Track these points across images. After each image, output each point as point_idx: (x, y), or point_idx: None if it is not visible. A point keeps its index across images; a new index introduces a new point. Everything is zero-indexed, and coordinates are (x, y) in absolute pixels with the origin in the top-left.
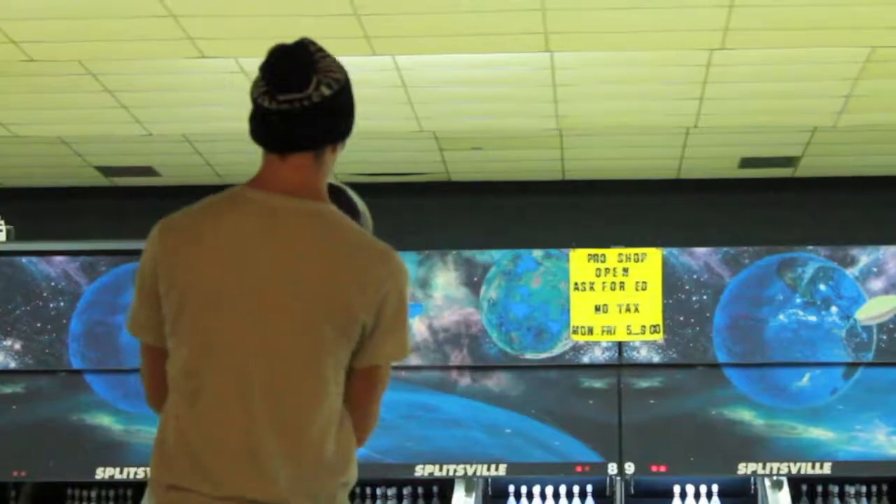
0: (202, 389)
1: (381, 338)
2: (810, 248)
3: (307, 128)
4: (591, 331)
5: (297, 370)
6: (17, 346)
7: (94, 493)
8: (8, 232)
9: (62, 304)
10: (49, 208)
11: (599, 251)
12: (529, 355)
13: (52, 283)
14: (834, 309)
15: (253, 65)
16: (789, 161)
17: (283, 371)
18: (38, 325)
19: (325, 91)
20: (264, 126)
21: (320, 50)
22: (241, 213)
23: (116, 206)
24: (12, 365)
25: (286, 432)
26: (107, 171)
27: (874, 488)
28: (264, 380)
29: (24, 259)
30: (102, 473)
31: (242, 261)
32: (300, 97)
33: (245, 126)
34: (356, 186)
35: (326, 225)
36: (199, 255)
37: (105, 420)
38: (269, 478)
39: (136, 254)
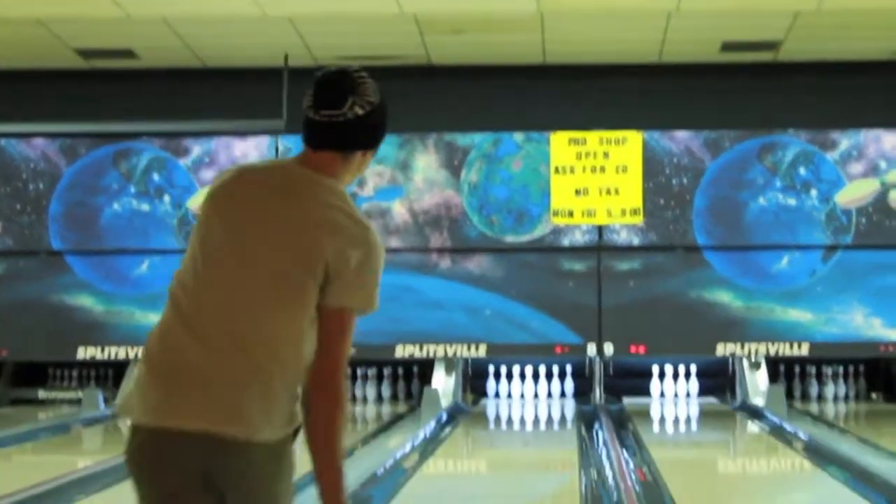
0: (183, 303)
1: (348, 285)
2: (791, 131)
3: (339, 137)
4: (571, 214)
5: (267, 299)
6: None
7: (75, 373)
8: None
9: (42, 185)
10: (28, 91)
11: (580, 134)
12: (510, 238)
13: (32, 165)
14: (814, 192)
15: None
16: (771, 45)
17: (256, 297)
18: (18, 206)
19: (359, 111)
20: (307, 130)
21: (362, 76)
22: (272, 170)
23: (95, 89)
24: None
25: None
26: (86, 53)
27: (851, 369)
28: (239, 301)
29: (2, 141)
30: (83, 353)
31: (256, 203)
32: (336, 114)
33: (226, 9)
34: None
35: (328, 190)
36: (231, 192)
37: (86, 301)
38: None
39: (115, 136)
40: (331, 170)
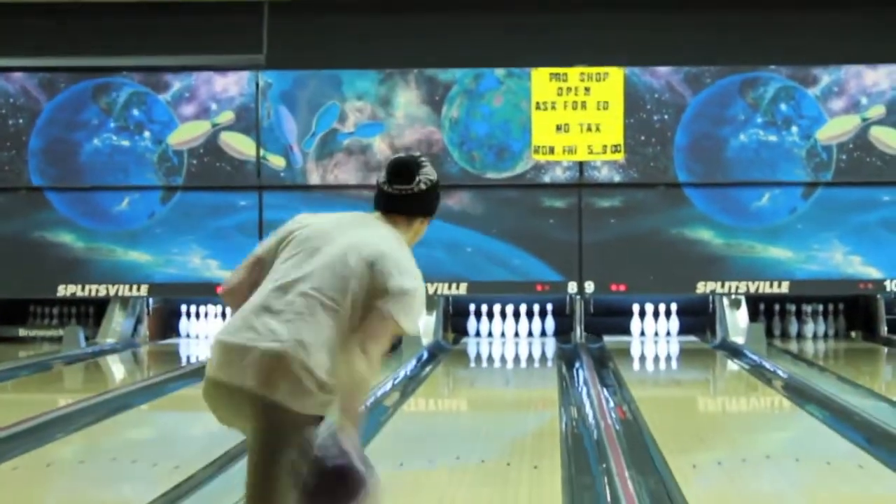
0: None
1: (387, 301)
2: (772, 67)
3: (408, 204)
4: (552, 150)
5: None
6: None
7: (56, 311)
8: None
9: (21, 121)
10: (6, 24)
11: (561, 70)
12: (491, 174)
13: (11, 100)
14: (794, 129)
15: None
16: None
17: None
18: None
19: (423, 186)
20: (382, 199)
21: (424, 160)
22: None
23: (75, 23)
24: None
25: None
26: None
27: (831, 307)
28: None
29: None
30: (64, 291)
31: (335, 227)
32: (408, 188)
33: None
34: (319, 4)
35: (389, 233)
36: (316, 220)
37: (67, 238)
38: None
39: (94, 70)
40: (397, 228)
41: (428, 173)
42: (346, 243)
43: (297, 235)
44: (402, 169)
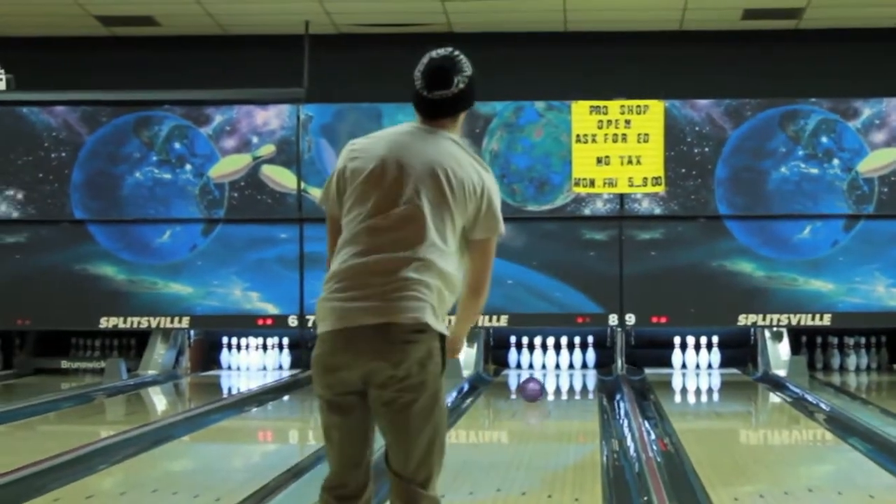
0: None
1: (481, 221)
2: (813, 100)
3: (449, 108)
4: (592, 183)
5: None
6: (20, 195)
7: (97, 342)
8: (8, 81)
9: (64, 154)
10: (50, 58)
11: (601, 103)
12: (531, 207)
13: (54, 134)
14: (836, 161)
15: None
16: (793, 12)
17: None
18: (40, 175)
19: (461, 86)
20: (422, 106)
21: (459, 56)
22: (405, 128)
23: (117, 57)
24: (15, 215)
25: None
26: (107, 20)
27: (873, 339)
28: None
29: (25, 109)
30: (106, 322)
31: (401, 148)
32: (447, 92)
33: None
34: (359, 38)
35: (452, 141)
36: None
37: (108, 270)
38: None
39: (136, 104)
40: (448, 130)
41: (463, 69)
42: (426, 170)
43: (365, 171)
44: (439, 73)
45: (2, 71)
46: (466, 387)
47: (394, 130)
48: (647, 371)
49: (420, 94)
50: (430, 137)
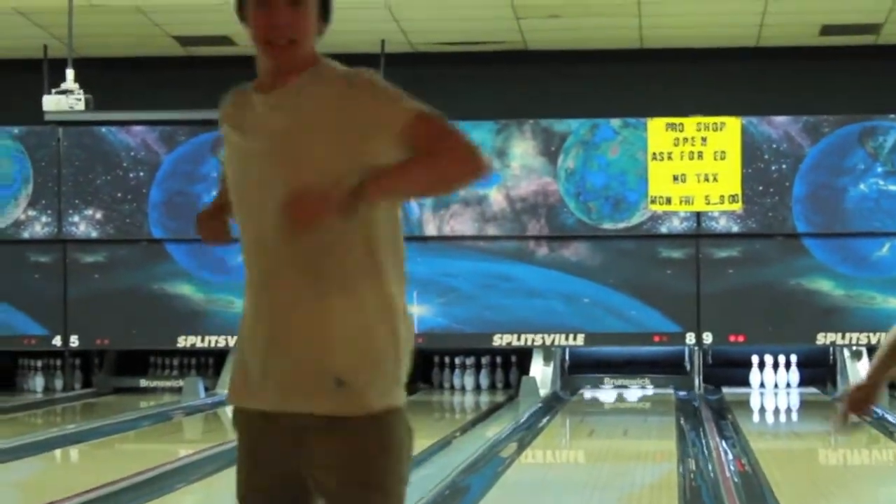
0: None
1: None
2: (892, 116)
3: None
4: (669, 201)
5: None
6: (99, 215)
7: (175, 361)
8: (87, 101)
9: (142, 173)
10: (127, 78)
11: (678, 120)
12: (607, 225)
13: (132, 153)
14: None
15: None
16: (872, 28)
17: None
18: (119, 194)
19: None
20: None
21: None
22: None
23: (193, 76)
24: (94, 234)
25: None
26: (183, 40)
27: None
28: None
29: (103, 129)
30: (184, 342)
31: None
32: None
33: None
34: (434, 56)
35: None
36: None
37: (186, 289)
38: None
39: (212, 124)
40: None
41: None
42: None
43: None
44: None
45: (81, 91)
46: (543, 405)
47: None
48: (725, 390)
49: None
50: None
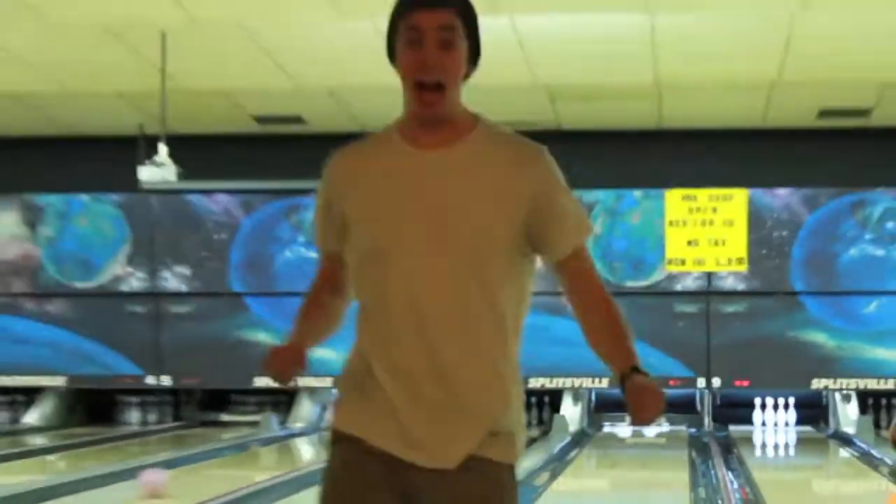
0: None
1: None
2: (880, 189)
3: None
4: (683, 262)
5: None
6: (187, 272)
7: (252, 399)
8: (178, 173)
9: (224, 235)
10: (211, 152)
11: (692, 192)
12: (629, 283)
13: (215, 217)
14: None
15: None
16: (864, 112)
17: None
18: (204, 253)
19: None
20: None
21: None
22: None
23: (269, 151)
24: (183, 288)
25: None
26: (261, 119)
27: None
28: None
29: (191, 196)
30: (260, 381)
31: None
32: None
33: (384, 79)
34: None
35: None
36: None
37: (262, 336)
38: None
39: (286, 192)
40: None
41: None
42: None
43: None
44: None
45: (171, 163)
46: (572, 440)
47: None
48: (732, 428)
49: None
50: None
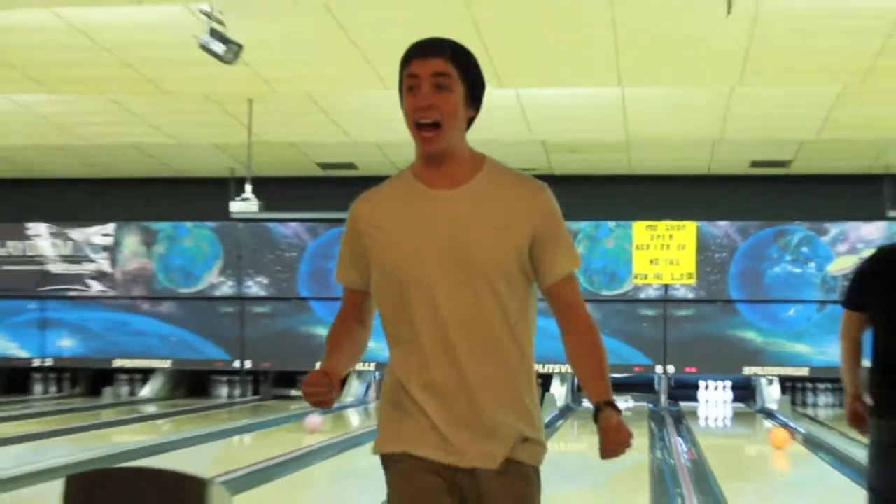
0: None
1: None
2: (797, 222)
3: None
4: (646, 276)
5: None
6: (266, 281)
7: None
8: (260, 205)
9: (294, 254)
10: (285, 190)
11: (654, 223)
12: (605, 292)
13: (288, 240)
14: (812, 264)
15: None
16: (784, 163)
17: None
18: (279, 268)
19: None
20: None
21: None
22: None
23: (329, 189)
24: (262, 293)
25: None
26: (323, 165)
27: (838, 385)
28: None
29: (269, 224)
30: (319, 365)
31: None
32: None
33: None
34: None
35: None
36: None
37: (322, 330)
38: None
39: (341, 221)
40: None
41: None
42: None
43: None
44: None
45: (255, 198)
46: (559, 413)
47: None
48: (682, 404)
49: None
50: None
